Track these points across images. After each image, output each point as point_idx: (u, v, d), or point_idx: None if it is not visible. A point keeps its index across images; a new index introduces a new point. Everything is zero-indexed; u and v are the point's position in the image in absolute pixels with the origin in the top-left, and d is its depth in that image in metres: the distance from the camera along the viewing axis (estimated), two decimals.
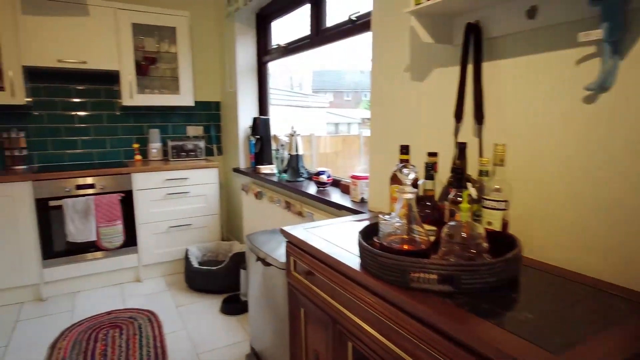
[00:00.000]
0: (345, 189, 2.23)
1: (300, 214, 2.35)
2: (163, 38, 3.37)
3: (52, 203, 2.75)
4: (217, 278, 2.86)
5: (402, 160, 1.28)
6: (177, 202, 3.18)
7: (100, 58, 3.00)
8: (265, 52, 3.30)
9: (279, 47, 3.02)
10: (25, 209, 2.68)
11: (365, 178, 1.96)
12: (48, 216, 2.76)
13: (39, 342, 2.29)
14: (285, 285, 1.56)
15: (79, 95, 3.27)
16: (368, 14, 2.03)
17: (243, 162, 3.43)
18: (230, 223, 3.87)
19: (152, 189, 3.07)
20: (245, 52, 3.33)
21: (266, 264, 1.79)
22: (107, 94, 3.36)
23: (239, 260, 2.82)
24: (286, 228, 1.44)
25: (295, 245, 1.39)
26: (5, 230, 2.64)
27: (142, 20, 3.11)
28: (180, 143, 3.42)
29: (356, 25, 2.16)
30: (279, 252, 1.76)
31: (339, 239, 1.31)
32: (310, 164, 2.85)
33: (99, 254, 2.94)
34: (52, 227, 2.78)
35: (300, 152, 2.61)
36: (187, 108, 3.66)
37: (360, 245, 1.09)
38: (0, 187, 2.59)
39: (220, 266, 2.87)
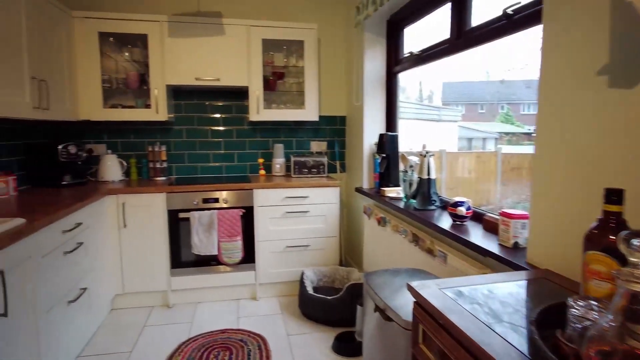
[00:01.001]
0: (489, 227, 1.76)
1: (430, 252, 1.95)
2: (291, 52, 3.32)
3: (181, 215, 2.85)
4: (331, 308, 2.61)
5: (608, 214, 0.81)
6: (295, 221, 3.05)
7: (232, 75, 3.05)
8: (395, 62, 2.99)
9: (412, 55, 2.68)
10: (159, 219, 2.82)
11: (523, 217, 1.48)
12: (178, 227, 2.87)
13: (158, 352, 2.32)
14: (409, 351, 1.20)
15: (213, 111, 3.40)
16: (534, 3, 1.56)
17: (366, 182, 3.14)
18: (350, 246, 3.62)
19: (271, 206, 2.99)
20: (373, 63, 3.06)
21: (386, 317, 1.45)
22: (238, 109, 3.44)
23: (356, 293, 2.53)
24: (415, 285, 1.09)
25: (427, 312, 1.03)
26: (142, 238, 2.81)
27: (272, 36, 3.09)
28: (303, 159, 3.30)
29: (513, 21, 1.70)
30: (403, 301, 1.41)
31: (491, 312, 0.91)
32: (440, 186, 2.42)
33: (219, 268, 2.96)
34: (180, 238, 2.88)
35: (433, 176, 2.21)
36: (312, 123, 3.55)
37: (537, 348, 0.68)
38: (141, 197, 2.77)
39: (335, 296, 2.61)
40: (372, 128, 3.12)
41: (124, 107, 3.08)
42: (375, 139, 3.04)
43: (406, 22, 2.85)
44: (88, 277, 2.34)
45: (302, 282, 2.86)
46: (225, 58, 3.03)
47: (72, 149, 2.79)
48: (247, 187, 2.93)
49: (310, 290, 2.76)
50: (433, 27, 2.55)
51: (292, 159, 3.30)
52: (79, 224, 2.18)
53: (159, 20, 2.91)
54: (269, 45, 3.23)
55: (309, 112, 3.23)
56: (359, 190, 3.11)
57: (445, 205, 2.16)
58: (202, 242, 2.85)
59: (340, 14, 3.50)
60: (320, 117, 3.41)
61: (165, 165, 3.22)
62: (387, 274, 1.74)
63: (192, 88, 3.20)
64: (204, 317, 2.77)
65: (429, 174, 2.21)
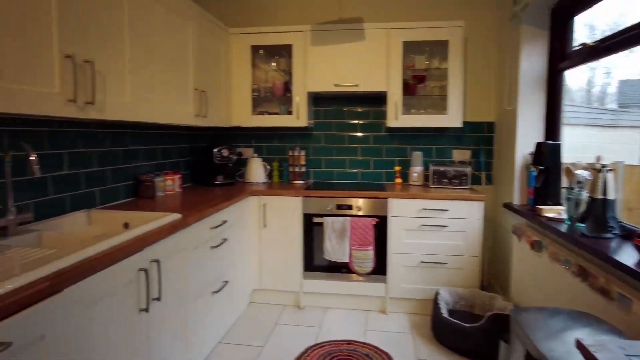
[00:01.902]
0: None
1: (604, 292, 1.54)
2: (434, 54, 3.10)
3: (315, 219, 2.90)
4: (468, 337, 2.32)
5: None
6: (432, 235, 2.82)
7: (371, 80, 2.99)
8: (561, 57, 2.52)
9: (584, 47, 2.21)
10: (295, 222, 2.92)
11: None
12: (311, 231, 2.92)
13: (287, 351, 2.37)
14: None
15: (350, 117, 3.40)
16: None
17: (517, 197, 2.73)
18: (493, 269, 3.21)
19: (407, 217, 2.82)
20: (531, 60, 2.65)
21: None
22: (375, 115, 3.37)
23: (499, 326, 2.19)
24: (590, 344, 0.82)
25: None
26: (280, 238, 2.95)
27: (414, 37, 2.93)
28: (443, 168, 3.05)
29: None
30: (562, 351, 1.11)
31: None
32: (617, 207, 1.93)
33: (350, 276, 2.92)
34: (314, 242, 2.93)
35: (611, 196, 1.77)
36: (454, 130, 3.26)
37: None
38: (281, 200, 2.91)
39: (474, 324, 2.31)
40: (527, 135, 2.70)
41: (269, 113, 3.29)
42: (531, 148, 2.62)
43: (578, 8, 2.37)
44: (230, 271, 2.54)
45: (436, 302, 2.62)
46: (364, 63, 2.98)
47: (225, 152, 3.08)
48: (382, 196, 2.83)
49: (445, 312, 2.51)
50: (613, 10, 2.06)
51: (431, 167, 3.07)
52: (224, 222, 2.38)
53: (303, 30, 3.02)
54: (410, 48, 3.07)
55: (451, 118, 2.97)
56: (508, 206, 2.72)
57: (629, 234, 1.70)
58: (334, 249, 2.84)
59: (490, 7, 3.13)
60: (464, 123, 3.11)
61: (303, 169, 3.33)
62: (543, 313, 1.43)
63: (331, 94, 3.25)
64: (331, 323, 2.76)
65: (605, 193, 1.77)
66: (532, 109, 2.68)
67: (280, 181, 3.43)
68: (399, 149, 3.37)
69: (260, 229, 2.96)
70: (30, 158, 1.41)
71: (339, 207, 2.88)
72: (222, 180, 3.11)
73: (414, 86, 3.11)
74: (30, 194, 1.72)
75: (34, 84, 1.37)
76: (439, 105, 3.13)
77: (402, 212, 2.82)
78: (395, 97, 2.98)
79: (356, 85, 3.00)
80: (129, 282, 1.47)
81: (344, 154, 3.44)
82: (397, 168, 3.31)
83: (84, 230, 1.88)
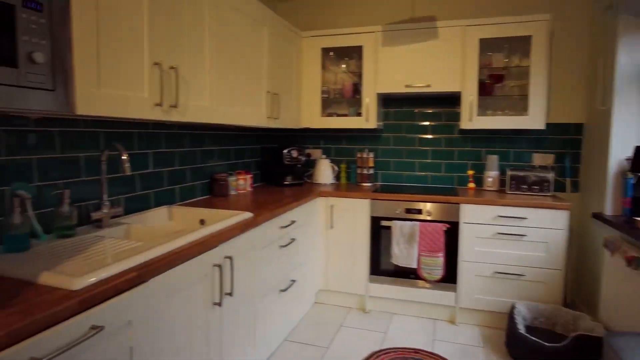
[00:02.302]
0: None
1: None
2: (514, 51, 2.91)
3: (383, 223, 2.85)
4: (548, 358, 2.13)
5: None
6: (508, 244, 2.64)
7: (444, 80, 2.88)
8: None
9: None
10: (363, 224, 2.89)
11: None
12: (379, 234, 2.88)
13: (351, 354, 2.36)
14: None
15: (421, 119, 3.30)
16: None
17: (610, 207, 2.47)
18: (579, 285, 2.93)
19: (481, 224, 2.67)
20: (630, 54, 2.38)
21: None
22: (448, 116, 3.23)
23: (586, 349, 1.99)
24: None
25: None
26: (346, 240, 2.94)
27: (492, 34, 2.76)
28: (522, 173, 2.84)
29: None
30: None
31: None
32: None
33: (418, 282, 2.83)
34: (381, 246, 2.89)
35: None
36: (536, 132, 3.03)
37: None
38: (348, 201, 2.90)
39: (556, 344, 2.12)
40: (623, 138, 2.43)
41: (338, 115, 3.30)
42: (628, 153, 2.36)
43: None
44: (297, 271, 2.58)
45: (511, 316, 2.45)
46: (437, 63, 2.88)
47: (294, 153, 3.14)
48: (454, 201, 2.70)
49: (521, 328, 2.33)
50: None
51: (509, 172, 2.88)
52: (293, 222, 2.42)
53: (374, 31, 2.99)
54: (487, 45, 2.90)
55: (532, 119, 2.76)
56: (599, 216, 2.47)
57: None
58: (402, 253, 2.77)
59: None
60: (547, 124, 2.88)
61: (372, 171, 3.29)
62: None
63: (401, 96, 3.18)
64: (397, 330, 2.69)
65: None
66: (630, 109, 2.41)
67: (348, 183, 3.42)
68: (473, 152, 3.20)
69: (327, 230, 2.97)
70: (123, 157, 1.54)
71: (408, 211, 2.80)
72: (291, 181, 3.17)
73: (490, 86, 2.94)
74: (120, 190, 1.87)
75: (128, 89, 1.49)
76: (518, 105, 2.93)
77: (476, 218, 2.68)
78: (470, 97, 2.84)
79: (428, 86, 2.91)
80: (205, 276, 1.55)
81: (413, 157, 3.35)
82: (470, 172, 3.15)
83: (165, 225, 2.02)
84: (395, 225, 2.78)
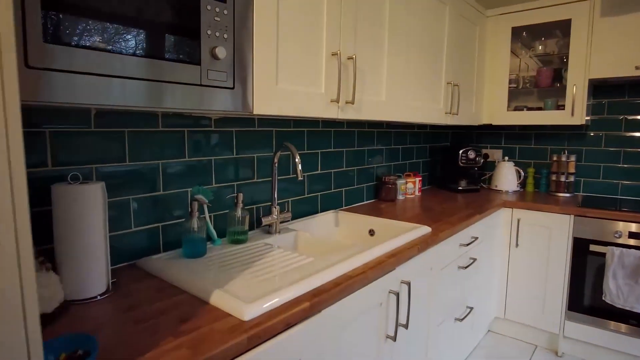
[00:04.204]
0: None
1: None
2: None
3: (593, 247, 2.20)
4: None
5: None
6: None
7: None
8: None
9: None
10: (560, 246, 2.30)
11: None
12: (584, 261, 2.24)
13: None
14: None
15: None
16: None
17: None
18: None
19: None
20: None
21: None
22: None
23: None
24: None
25: None
26: (535, 263, 2.38)
27: None
28: None
29: None
30: None
31: None
32: None
33: (636, 330, 2.11)
34: (586, 276, 2.24)
35: None
36: None
37: None
38: (540, 216, 2.34)
39: None
40: None
41: (528, 109, 2.71)
42: None
43: None
44: (475, 296, 2.16)
45: None
46: None
47: (471, 154, 2.69)
48: None
49: None
50: None
51: None
52: (475, 238, 2.01)
53: None
54: None
55: None
56: None
57: None
58: (621, 291, 2.09)
59: None
60: None
61: (572, 179, 2.61)
62: None
63: (623, 81, 2.42)
64: None
65: None
66: None
67: (536, 191, 2.80)
68: None
69: (511, 248, 2.45)
70: (296, 160, 1.39)
71: (634, 235, 2.09)
72: (465, 186, 2.73)
73: None
74: (289, 192, 1.77)
75: (305, 84, 1.33)
76: None
77: None
78: None
79: None
80: (379, 305, 1.30)
81: (636, 162, 2.54)
82: None
83: (332, 232, 1.85)
84: (613, 253, 2.11)
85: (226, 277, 1.10)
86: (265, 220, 1.50)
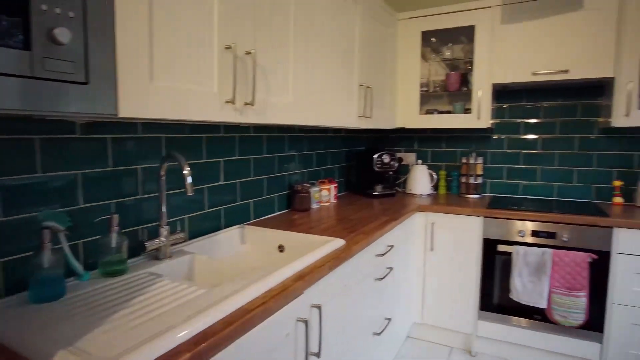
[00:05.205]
0: None
1: None
2: None
3: (500, 247, 2.26)
4: None
5: None
6: None
7: (588, 63, 2.20)
8: None
9: None
10: (472, 247, 2.33)
11: None
12: (493, 261, 2.29)
13: None
14: None
15: (547, 115, 2.62)
16: None
17: None
18: None
19: None
20: None
21: None
22: (585, 111, 2.52)
23: None
24: None
25: None
26: (449, 265, 2.39)
27: None
28: None
29: None
30: None
31: None
32: None
33: (545, 326, 2.19)
34: (495, 276, 2.29)
35: None
36: None
37: None
38: (455, 219, 2.35)
39: None
40: None
41: (439, 112, 2.74)
42: None
43: None
44: (393, 306, 2.09)
45: None
46: (579, 41, 2.20)
47: (386, 159, 2.65)
48: (603, 224, 2.03)
49: None
50: None
51: None
52: (391, 247, 1.94)
53: (491, 5, 2.39)
54: None
55: None
56: None
57: None
58: (526, 289, 2.16)
59: None
60: None
61: (480, 180, 2.69)
62: None
63: (521, 87, 2.54)
64: None
65: None
66: None
67: (449, 193, 2.85)
68: (621, 156, 2.46)
69: (426, 253, 2.44)
70: (184, 172, 1.17)
71: (536, 233, 2.18)
72: (381, 191, 2.68)
73: None
74: (184, 210, 1.53)
75: (192, 82, 1.11)
76: None
77: (637, 248, 1.98)
78: (629, 84, 2.12)
79: (565, 72, 2.24)
80: (286, 337, 1.12)
81: (534, 163, 2.68)
82: (616, 183, 2.42)
83: (239, 251, 1.65)
84: (518, 252, 2.17)
85: (85, 325, 0.85)
86: (150, 245, 1.25)
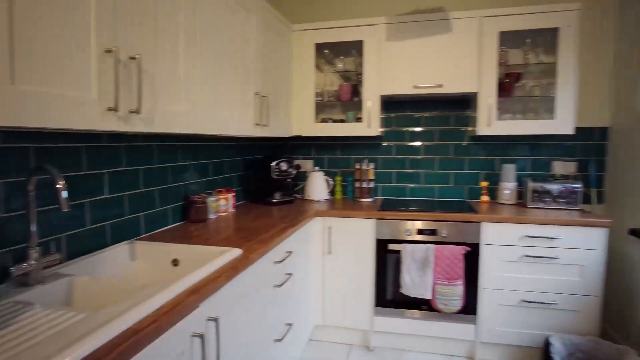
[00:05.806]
0: None
1: None
2: (536, 45, 2.57)
3: (391, 246, 2.44)
4: None
5: None
6: (537, 268, 2.28)
7: (457, 80, 2.50)
8: None
9: None
10: (366, 248, 2.47)
11: None
12: (385, 260, 2.47)
13: None
14: None
15: (427, 124, 2.92)
16: None
17: None
18: (619, 314, 2.58)
19: (505, 245, 2.30)
20: None
21: None
22: (457, 121, 2.87)
23: None
24: None
25: None
26: (346, 267, 2.51)
27: (514, 26, 2.41)
28: (549, 185, 2.49)
29: None
30: None
31: None
32: None
33: (432, 314, 2.43)
34: (387, 273, 2.47)
35: None
36: (557, 138, 2.70)
37: None
38: (351, 222, 2.48)
39: None
40: None
41: (334, 121, 2.88)
42: None
43: None
44: (293, 311, 2.13)
45: (547, 352, 2.09)
46: (450, 60, 2.50)
47: (284, 166, 2.69)
48: (474, 219, 2.32)
49: None
50: None
51: (530, 183, 2.53)
52: (289, 253, 1.97)
53: (377, 23, 2.59)
54: (506, 40, 2.56)
55: (561, 123, 2.41)
56: (638, 233, 2.14)
57: None
58: (414, 282, 2.37)
59: None
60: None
61: (372, 184, 2.88)
62: None
63: (405, 98, 2.79)
64: None
65: None
66: None
67: (344, 198, 2.99)
68: (485, 160, 2.84)
69: (324, 256, 2.53)
70: (58, 186, 1.06)
71: (421, 232, 2.40)
72: (280, 198, 2.72)
73: (509, 86, 2.59)
74: (62, 227, 1.38)
75: (66, 87, 1.01)
76: (540, 108, 2.60)
77: (499, 239, 2.30)
78: (488, 99, 2.47)
79: (439, 86, 2.52)
80: (181, 355, 1.08)
81: (418, 167, 2.96)
82: (483, 184, 2.79)
83: (127, 270, 1.53)
84: (406, 250, 2.37)
85: None
86: (16, 270, 1.11)
